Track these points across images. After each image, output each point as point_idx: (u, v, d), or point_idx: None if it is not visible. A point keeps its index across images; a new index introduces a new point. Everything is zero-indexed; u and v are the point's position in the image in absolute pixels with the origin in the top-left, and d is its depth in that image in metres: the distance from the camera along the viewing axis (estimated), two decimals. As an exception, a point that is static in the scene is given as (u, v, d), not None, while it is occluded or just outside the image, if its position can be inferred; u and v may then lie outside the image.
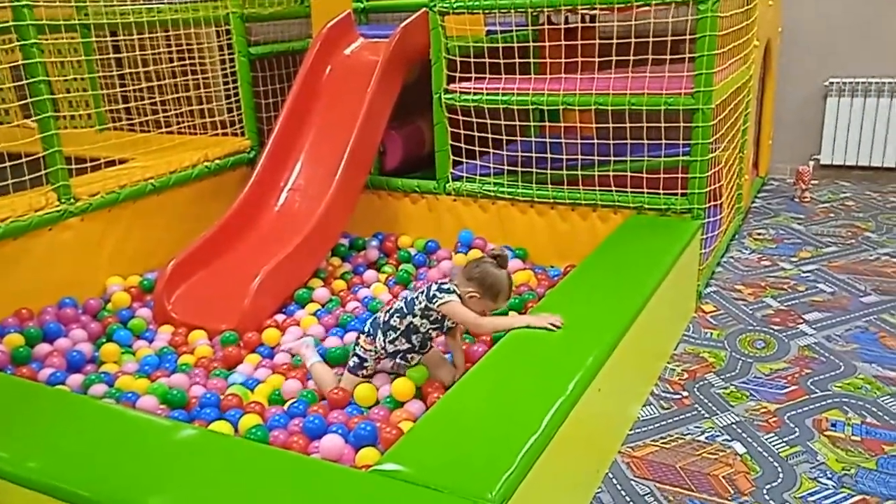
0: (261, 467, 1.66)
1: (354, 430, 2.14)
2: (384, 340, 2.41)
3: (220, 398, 2.46)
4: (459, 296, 2.31)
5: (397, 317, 2.39)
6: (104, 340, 2.96)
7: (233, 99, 4.12)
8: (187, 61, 3.96)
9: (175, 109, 3.96)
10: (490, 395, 1.91)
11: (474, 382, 1.97)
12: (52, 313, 3.06)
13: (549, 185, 3.42)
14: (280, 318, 3.07)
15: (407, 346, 2.41)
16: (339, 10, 3.95)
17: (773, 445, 2.26)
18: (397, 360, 2.46)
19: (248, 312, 2.98)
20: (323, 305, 3.19)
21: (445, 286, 2.34)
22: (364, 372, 2.48)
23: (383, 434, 2.13)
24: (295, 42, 4.52)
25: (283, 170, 3.62)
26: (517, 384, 1.94)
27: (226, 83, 4.17)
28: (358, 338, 2.50)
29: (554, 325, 2.18)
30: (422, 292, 2.38)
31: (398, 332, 2.39)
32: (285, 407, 2.42)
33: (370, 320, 2.50)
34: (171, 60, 3.99)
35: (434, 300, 2.32)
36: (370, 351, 2.45)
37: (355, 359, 2.48)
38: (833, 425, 2.34)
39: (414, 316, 2.37)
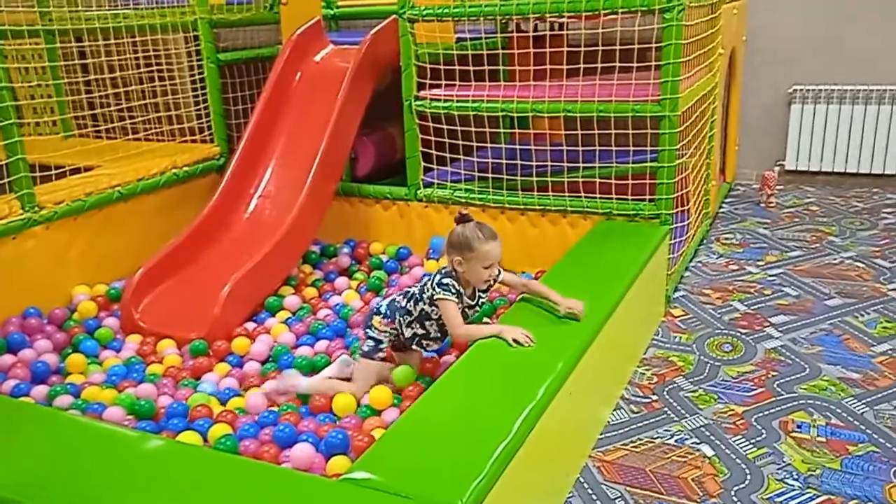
0: (228, 478, 1.65)
1: (325, 439, 2.13)
2: (402, 325, 2.41)
3: (188, 408, 2.43)
4: (458, 291, 2.29)
5: (412, 302, 2.40)
6: (70, 351, 2.91)
7: (202, 105, 4.09)
8: (154, 67, 3.92)
9: (143, 116, 3.91)
10: (461, 401, 1.91)
11: (445, 389, 1.97)
12: (16, 324, 3.01)
13: (520, 192, 3.44)
14: (250, 326, 3.04)
15: (422, 332, 2.42)
16: (309, 16, 3.94)
17: (741, 447, 2.29)
18: (414, 346, 2.46)
19: (217, 321, 2.95)
20: (294, 313, 3.17)
21: (445, 281, 2.31)
22: (381, 355, 2.46)
23: (355, 442, 2.12)
24: (264, 48, 4.50)
25: (252, 177, 3.60)
26: (487, 390, 1.95)
27: (195, 89, 4.13)
28: (371, 319, 2.47)
29: (517, 342, 2.13)
30: (430, 279, 2.37)
31: (412, 317, 2.41)
32: (256, 416, 2.39)
33: (387, 301, 2.48)
34: (139, 66, 3.95)
35: (435, 292, 2.31)
36: (386, 332, 2.44)
37: (370, 342, 2.45)
38: (799, 427, 2.38)
39: (424, 304, 2.37)
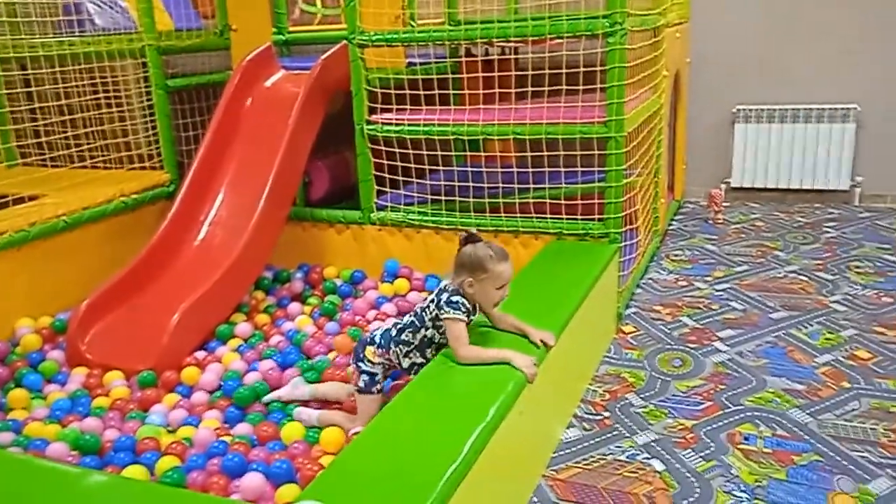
0: (173, 511, 1.62)
1: (270, 468, 2.10)
2: (400, 355, 2.32)
3: (135, 441, 2.38)
4: (469, 310, 2.22)
5: (410, 332, 2.30)
6: (12, 386, 2.83)
7: (150, 132, 4.04)
8: (101, 94, 3.88)
9: (90, 143, 3.85)
10: (410, 425, 1.90)
11: (394, 413, 1.96)
12: (-44, 359, 2.92)
13: (472, 213, 3.47)
14: (201, 355, 3.00)
15: (422, 360, 2.31)
16: (260, 42, 3.95)
17: (690, 461, 2.32)
18: (412, 375, 2.33)
19: (166, 351, 2.90)
20: (245, 340, 3.13)
21: (455, 299, 2.21)
22: (378, 388, 2.36)
23: (304, 471, 2.10)
24: (215, 74, 4.47)
25: (203, 203, 3.56)
26: (438, 412, 1.95)
27: (144, 116, 4.09)
28: (363, 351, 2.35)
29: (530, 372, 2.10)
30: (432, 301, 2.26)
31: (412, 347, 2.31)
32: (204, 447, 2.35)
33: (380, 332, 2.37)
34: (87, 93, 3.90)
35: (443, 311, 2.20)
36: (380, 364, 2.34)
37: (365, 377, 2.34)
38: (746, 439, 2.42)
39: (427, 328, 2.28)
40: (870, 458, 2.27)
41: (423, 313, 2.29)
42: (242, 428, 2.44)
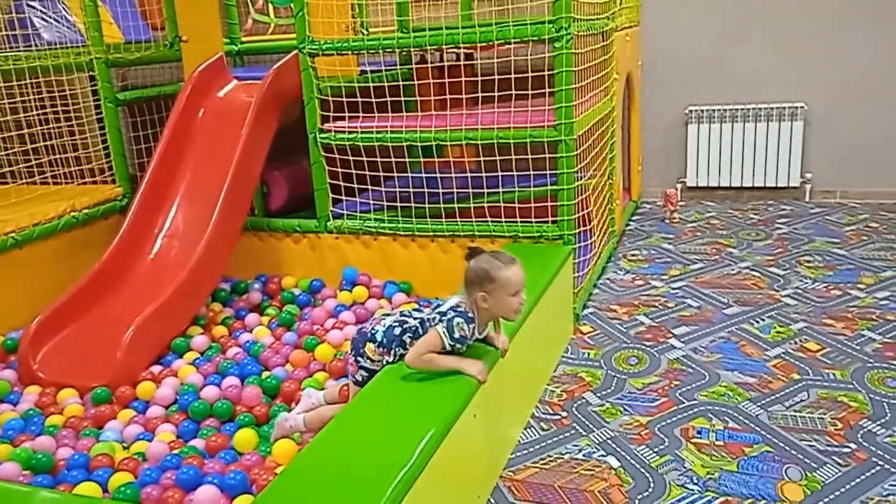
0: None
1: (224, 480, 2.09)
2: (397, 356, 2.22)
3: (89, 458, 2.34)
4: (462, 337, 2.12)
5: (410, 336, 2.21)
6: (-38, 407, 2.77)
7: (102, 146, 3.99)
8: (50, 109, 3.82)
9: (39, 159, 3.79)
10: (363, 430, 1.90)
11: (347, 419, 1.96)
12: None
13: (429, 219, 3.48)
14: (156, 369, 2.97)
15: None
16: (212, 52, 3.92)
17: (645, 457, 2.36)
18: None
19: (120, 367, 2.87)
20: (202, 353, 3.10)
21: (456, 322, 2.10)
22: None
23: (259, 481, 2.09)
24: (167, 86, 4.43)
25: (156, 216, 3.53)
26: (390, 417, 1.95)
27: (93, 130, 4.03)
28: (363, 346, 2.26)
29: (483, 378, 2.08)
30: (440, 313, 2.17)
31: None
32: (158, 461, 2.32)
33: (382, 329, 2.24)
34: (37, 108, 3.84)
35: (438, 322, 2.13)
36: (379, 362, 2.24)
37: (363, 372, 2.26)
38: (699, 432, 2.47)
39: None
40: (817, 447, 2.33)
41: (428, 323, 2.20)
42: (193, 441, 2.42)
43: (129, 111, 4.59)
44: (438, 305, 2.23)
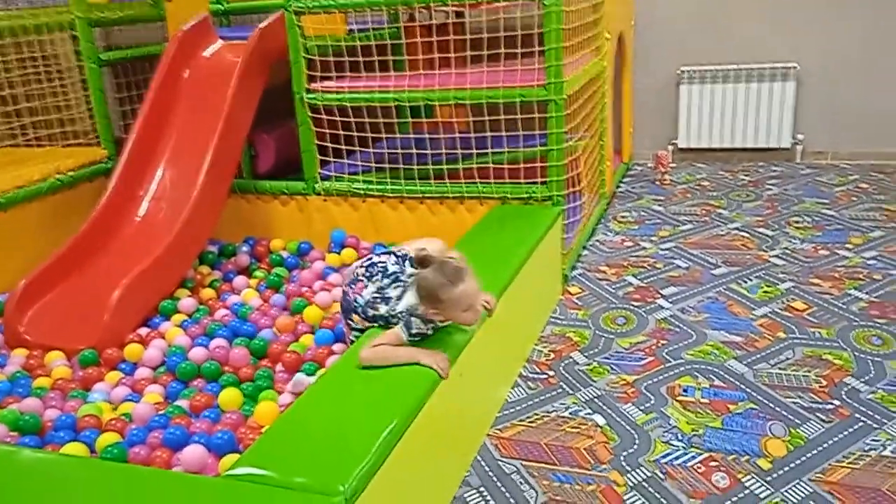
0: (105, 485, 1.60)
1: (211, 440, 2.09)
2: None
3: (76, 419, 2.35)
4: (420, 333, 2.05)
5: (383, 321, 2.17)
6: (-51, 370, 2.77)
7: (86, 107, 3.93)
8: (31, 70, 3.75)
9: (21, 120, 3.74)
10: (347, 389, 1.91)
11: (331, 379, 1.96)
12: None
13: (418, 181, 3.46)
14: (144, 331, 2.96)
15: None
16: (197, 12, 3.84)
17: (631, 414, 2.38)
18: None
19: (107, 329, 2.86)
20: (190, 316, 3.09)
21: (414, 319, 2.03)
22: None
23: (246, 440, 2.10)
24: (152, 46, 4.35)
25: (142, 178, 3.48)
26: (375, 376, 1.95)
27: (79, 91, 3.97)
28: (349, 316, 2.24)
29: (441, 367, 1.95)
30: (403, 305, 2.10)
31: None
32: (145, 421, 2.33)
33: (364, 300, 2.19)
34: (19, 69, 3.78)
35: (398, 320, 2.08)
36: (370, 327, 2.21)
37: (355, 333, 2.23)
38: (685, 391, 2.48)
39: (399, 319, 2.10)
40: (801, 404, 2.35)
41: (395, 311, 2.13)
42: (178, 401, 2.42)
43: (113, 72, 4.52)
44: (402, 258, 2.22)
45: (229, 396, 2.36)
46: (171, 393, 2.52)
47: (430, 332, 2.08)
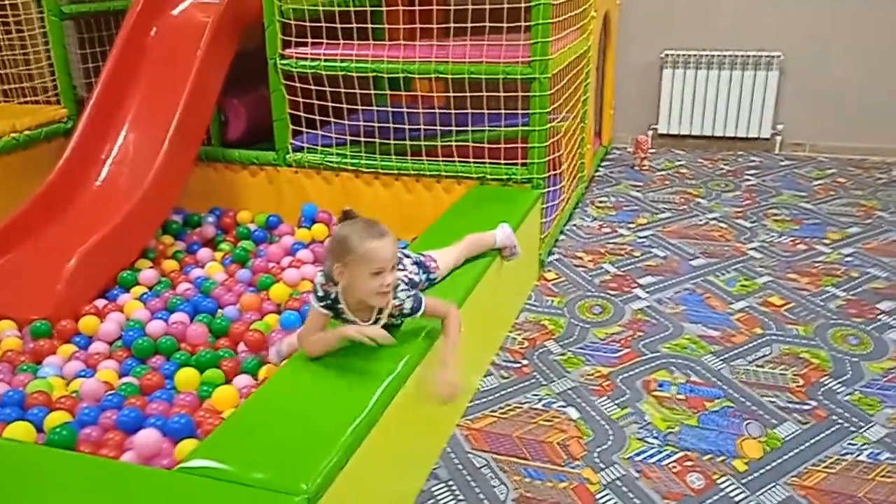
0: (49, 474, 1.49)
1: (167, 423, 1.98)
2: None
3: (24, 395, 2.21)
4: (325, 297, 1.88)
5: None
6: None
7: (45, 63, 3.73)
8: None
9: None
10: (314, 380, 1.80)
11: (297, 368, 1.86)
12: None
13: (394, 156, 3.34)
14: (101, 303, 2.82)
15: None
16: (167, -33, 3.64)
17: (605, 408, 2.31)
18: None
19: (61, 299, 2.71)
20: (150, 288, 2.95)
21: (316, 284, 1.89)
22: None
23: (205, 425, 1.99)
24: (117, 1, 4.13)
25: (103, 140, 3.31)
26: (343, 366, 1.85)
27: (35, 45, 3.76)
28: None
29: (367, 336, 1.80)
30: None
31: None
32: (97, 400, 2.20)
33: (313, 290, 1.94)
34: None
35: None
36: None
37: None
38: (660, 385, 2.43)
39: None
40: (778, 403, 2.31)
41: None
42: (128, 378, 2.30)
43: (77, 27, 4.28)
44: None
45: (186, 376, 2.24)
46: (126, 370, 2.39)
47: (340, 309, 1.88)
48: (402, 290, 1.90)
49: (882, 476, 1.98)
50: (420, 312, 1.92)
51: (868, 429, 2.18)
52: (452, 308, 1.98)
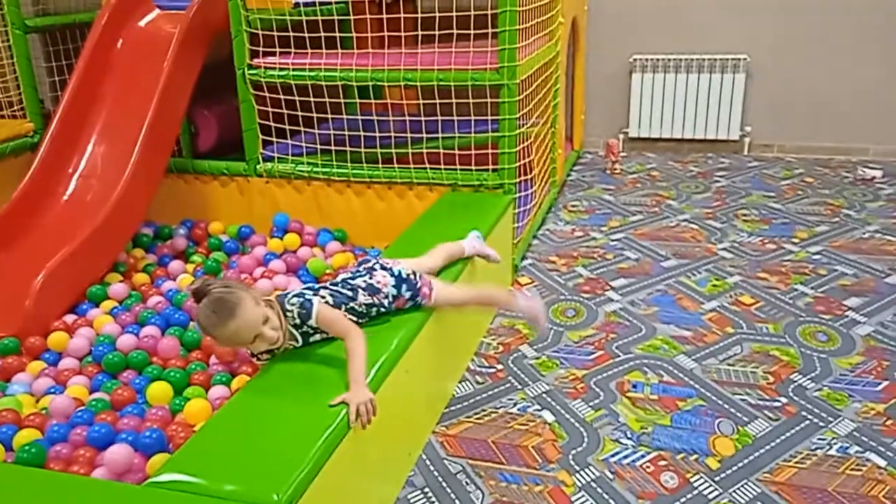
0: (17, 492, 1.46)
1: (139, 438, 1.96)
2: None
3: (-9, 415, 2.18)
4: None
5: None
6: None
7: (10, 77, 3.68)
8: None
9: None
10: (285, 389, 1.79)
11: (269, 377, 1.85)
12: None
13: (365, 164, 3.34)
14: (70, 318, 2.78)
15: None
16: (132, -22, 3.62)
17: (580, 411, 2.33)
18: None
19: (30, 315, 2.67)
20: (121, 302, 2.92)
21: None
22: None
23: (177, 439, 1.97)
24: (82, 14, 4.09)
25: (70, 154, 3.27)
26: (315, 374, 1.85)
27: (5, 58, 3.71)
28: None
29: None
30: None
31: None
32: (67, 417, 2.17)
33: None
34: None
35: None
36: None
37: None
38: (634, 386, 2.45)
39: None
40: (749, 401, 2.34)
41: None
42: (98, 394, 2.27)
43: (43, 40, 4.24)
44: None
45: (158, 390, 2.22)
46: (97, 385, 2.36)
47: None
48: (292, 302, 1.90)
49: (851, 469, 2.01)
50: (311, 320, 1.89)
51: (837, 423, 2.21)
52: (354, 331, 1.87)
